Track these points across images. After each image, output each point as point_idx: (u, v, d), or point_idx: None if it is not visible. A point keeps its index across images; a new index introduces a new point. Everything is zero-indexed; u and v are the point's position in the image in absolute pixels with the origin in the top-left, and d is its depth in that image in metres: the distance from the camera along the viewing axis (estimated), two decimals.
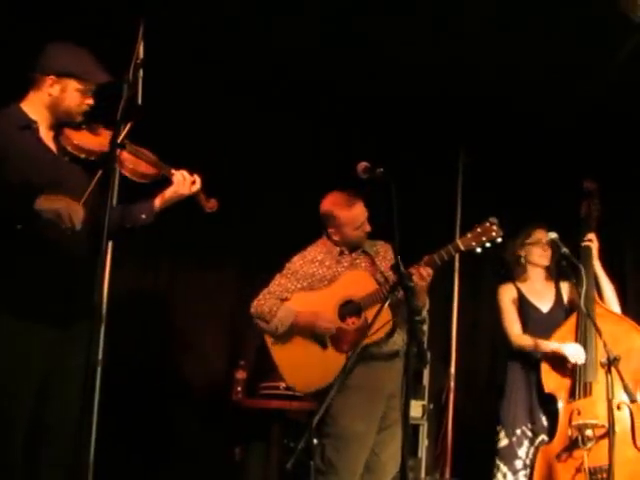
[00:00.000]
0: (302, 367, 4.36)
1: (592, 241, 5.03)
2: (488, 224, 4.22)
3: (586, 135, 6.41)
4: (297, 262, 4.53)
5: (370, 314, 4.20)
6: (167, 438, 5.76)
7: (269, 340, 4.45)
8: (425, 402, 6.23)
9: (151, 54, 3.32)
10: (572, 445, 4.59)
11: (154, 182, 3.72)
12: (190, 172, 3.77)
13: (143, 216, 3.71)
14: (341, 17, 5.25)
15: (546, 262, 5.14)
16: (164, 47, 4.12)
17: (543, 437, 4.84)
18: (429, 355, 6.25)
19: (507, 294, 5.16)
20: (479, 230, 4.22)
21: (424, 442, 6.19)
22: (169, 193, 3.72)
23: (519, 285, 5.17)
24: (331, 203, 4.52)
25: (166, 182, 3.74)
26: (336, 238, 4.53)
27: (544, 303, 5.12)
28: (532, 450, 4.83)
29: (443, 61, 5.72)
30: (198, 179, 3.78)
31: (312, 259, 4.53)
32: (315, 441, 3.54)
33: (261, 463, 5.80)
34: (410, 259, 4.17)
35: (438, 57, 5.70)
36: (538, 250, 5.13)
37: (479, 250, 4.24)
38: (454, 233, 6.51)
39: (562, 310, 5.07)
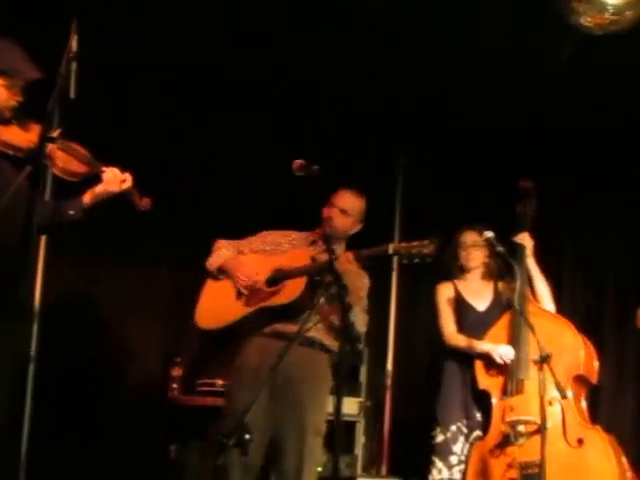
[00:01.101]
0: (212, 305, 4.41)
1: (525, 239, 5.09)
2: (427, 242, 4.07)
3: (527, 135, 6.49)
4: (272, 231, 4.60)
5: (289, 283, 4.23)
6: (102, 436, 5.69)
7: (208, 279, 4.50)
8: (362, 399, 6.24)
9: (85, 49, 3.28)
10: (505, 441, 4.64)
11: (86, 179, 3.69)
12: (122, 170, 3.73)
13: (71, 212, 3.67)
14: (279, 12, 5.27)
15: (473, 264, 5.20)
16: (98, 42, 4.09)
17: (478, 433, 4.90)
18: (365, 353, 6.30)
19: (444, 293, 5.22)
20: (415, 244, 4.08)
21: (360, 439, 6.21)
22: (98, 190, 3.69)
23: (457, 284, 5.23)
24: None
25: (98, 179, 3.70)
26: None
27: (481, 302, 5.18)
28: (467, 446, 4.89)
29: (380, 62, 5.76)
30: (129, 177, 3.74)
31: (287, 234, 4.57)
32: (247, 437, 3.50)
33: (197, 460, 5.76)
34: None
35: (375, 58, 5.73)
36: (463, 253, 5.20)
37: (405, 261, 4.13)
38: (393, 233, 6.57)
39: (499, 309, 5.13)
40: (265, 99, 6.16)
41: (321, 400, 4.32)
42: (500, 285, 5.21)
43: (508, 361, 4.77)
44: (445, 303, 5.18)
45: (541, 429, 4.11)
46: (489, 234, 4.65)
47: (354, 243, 4.49)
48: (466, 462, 4.83)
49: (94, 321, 5.86)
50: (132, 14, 5.21)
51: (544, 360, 4.12)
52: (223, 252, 4.45)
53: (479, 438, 4.85)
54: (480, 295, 5.20)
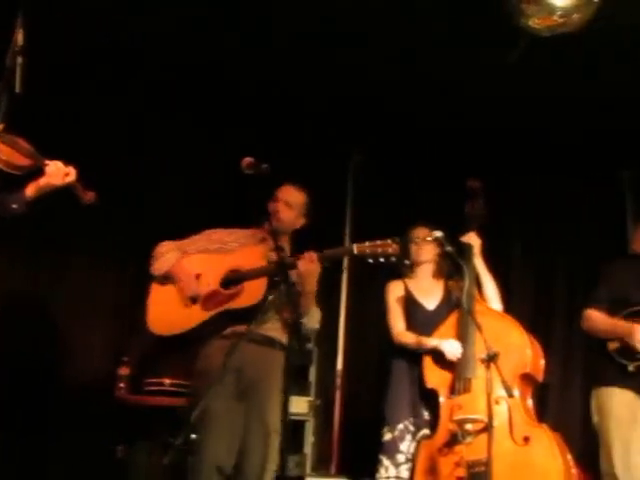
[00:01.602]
0: (166, 311, 4.38)
1: (473, 239, 5.12)
2: (390, 241, 4.17)
3: (477, 135, 6.54)
4: (217, 229, 4.58)
5: (249, 285, 4.23)
6: (49, 436, 5.65)
7: (154, 284, 4.47)
8: (312, 398, 6.25)
9: (32, 44, 3.26)
10: (453, 439, 4.65)
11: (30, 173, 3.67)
12: (66, 163, 3.72)
13: (14, 206, 3.66)
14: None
15: (424, 258, 5.22)
16: (45, 38, 4.05)
17: (425, 431, 4.91)
18: (315, 353, 6.31)
19: (394, 291, 5.23)
20: (379, 243, 4.17)
21: (310, 438, 6.21)
22: (42, 183, 3.68)
23: (407, 282, 5.25)
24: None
25: (41, 172, 3.69)
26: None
27: (431, 301, 5.20)
28: (414, 444, 4.89)
29: (333, 62, 5.78)
30: (73, 171, 3.73)
31: (233, 232, 4.55)
32: (193, 436, 3.49)
33: (144, 460, 5.72)
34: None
35: (328, 58, 5.75)
36: (414, 247, 5.21)
37: (371, 261, 4.20)
38: (344, 231, 6.58)
39: (449, 308, 5.14)
40: (215, 97, 6.15)
41: (278, 399, 4.32)
42: (450, 284, 5.23)
43: (454, 358, 4.79)
44: (395, 301, 5.19)
45: (488, 427, 4.12)
46: (438, 234, 4.67)
47: (305, 240, 4.48)
48: (414, 460, 4.83)
49: (40, 320, 5.83)
50: (80, 10, 5.18)
51: (491, 359, 4.13)
52: (169, 257, 4.42)
53: (427, 437, 4.86)
54: (430, 294, 5.21)
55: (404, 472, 4.85)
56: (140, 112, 6.07)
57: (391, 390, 5.05)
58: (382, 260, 4.15)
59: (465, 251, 5.03)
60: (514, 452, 4.58)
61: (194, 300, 4.33)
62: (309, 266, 4.20)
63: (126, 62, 5.78)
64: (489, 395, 4.12)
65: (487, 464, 4.08)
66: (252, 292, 4.19)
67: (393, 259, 4.16)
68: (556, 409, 6.85)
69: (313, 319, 4.46)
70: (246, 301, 4.19)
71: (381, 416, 5.04)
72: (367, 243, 4.19)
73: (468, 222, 5.20)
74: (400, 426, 4.92)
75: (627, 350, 4.61)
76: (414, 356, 5.01)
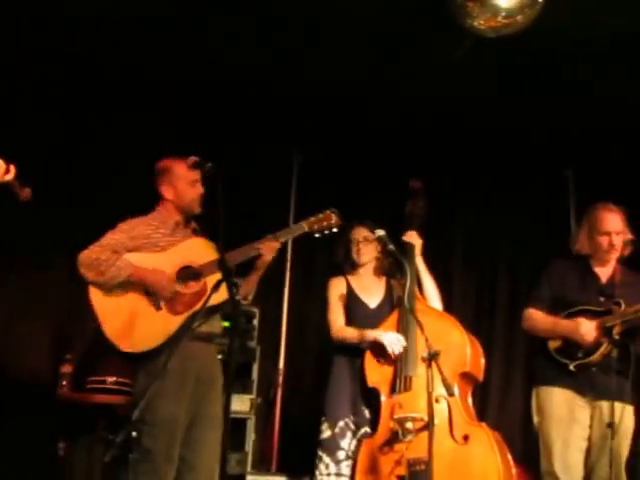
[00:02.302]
0: (129, 325, 4.15)
1: (414, 238, 5.14)
2: (328, 212, 4.47)
3: (419, 135, 6.57)
4: (134, 221, 4.37)
5: (210, 281, 4.14)
6: None
7: (95, 295, 4.19)
8: (253, 396, 6.23)
9: None
10: (393, 438, 4.65)
11: None
12: (6, 161, 3.65)
13: None
14: None
15: (365, 259, 5.22)
16: None
17: (366, 429, 4.91)
18: (257, 351, 6.29)
19: (336, 288, 5.22)
20: (321, 216, 4.45)
21: (251, 436, 6.19)
22: None
23: (350, 279, 5.24)
24: (167, 159, 4.46)
25: None
26: (169, 196, 4.39)
27: (372, 299, 5.20)
28: (354, 442, 4.89)
29: (280, 62, 5.79)
30: (13, 169, 3.67)
31: (148, 222, 4.38)
32: (134, 434, 3.46)
33: (85, 458, 5.68)
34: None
35: (275, 58, 5.76)
36: (355, 248, 5.21)
37: (317, 235, 4.44)
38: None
39: (390, 306, 5.16)
40: (163, 95, 6.14)
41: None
42: (392, 282, 5.24)
43: (396, 350, 4.80)
44: (336, 298, 5.18)
45: (429, 426, 4.13)
46: (380, 232, 4.66)
47: (252, 234, 4.46)
48: (354, 458, 4.83)
49: None
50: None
51: (432, 357, 4.14)
52: (121, 264, 4.17)
53: (367, 435, 4.86)
54: (372, 291, 5.22)
55: (344, 469, 4.85)
56: (84, 111, 6.02)
57: (331, 387, 5.04)
58: (326, 232, 4.43)
59: (406, 250, 5.05)
60: (454, 451, 4.59)
61: (157, 306, 4.20)
62: (272, 251, 4.32)
63: (73, 61, 5.74)
64: (430, 394, 4.12)
65: (427, 463, 4.09)
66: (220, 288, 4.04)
67: (335, 230, 4.46)
68: (497, 409, 6.91)
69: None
70: (218, 298, 3.91)
71: (321, 413, 5.02)
72: (312, 218, 4.44)
73: (409, 221, 5.22)
74: (341, 423, 4.91)
75: (568, 349, 4.66)
76: (355, 353, 5.00)
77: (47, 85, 5.85)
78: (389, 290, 5.23)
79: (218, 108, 6.29)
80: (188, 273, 4.27)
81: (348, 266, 5.27)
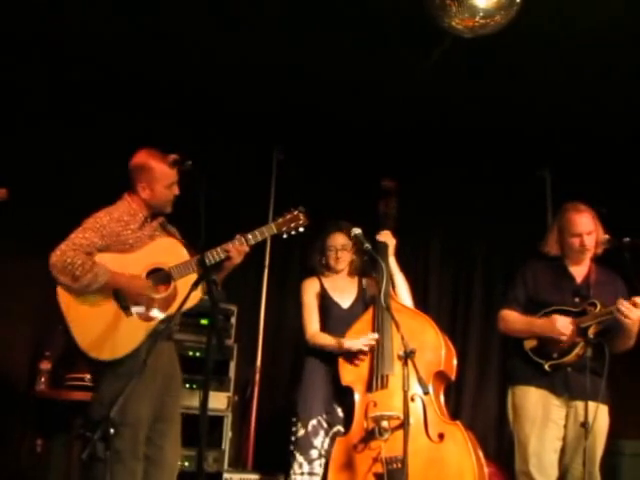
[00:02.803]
0: (101, 332, 4.09)
1: (388, 237, 5.17)
2: (296, 212, 4.49)
3: (394, 134, 6.60)
4: (104, 218, 4.23)
5: (180, 284, 4.14)
6: None
7: (65, 298, 4.13)
8: (230, 394, 6.23)
9: None
10: (369, 436, 4.67)
11: None
12: None
13: None
14: None
15: (342, 266, 5.24)
16: None
17: (339, 428, 4.92)
18: (234, 349, 6.30)
19: (310, 289, 5.23)
20: (288, 217, 4.46)
21: (228, 434, 6.19)
22: None
23: (323, 280, 5.25)
24: (147, 155, 4.33)
25: None
26: (144, 196, 4.32)
27: (345, 299, 5.21)
28: (327, 440, 4.90)
29: (262, 62, 5.81)
30: None
31: (118, 218, 4.27)
32: (112, 431, 3.45)
33: (63, 455, 5.68)
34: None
35: (254, 57, 5.79)
36: (332, 255, 5.21)
37: (285, 236, 4.47)
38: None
39: (363, 306, 5.17)
40: (141, 92, 6.14)
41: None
42: (364, 282, 5.26)
43: (372, 343, 4.82)
44: (310, 300, 5.18)
45: (404, 424, 4.13)
46: (357, 230, 4.69)
47: (231, 229, 4.46)
48: (327, 457, 4.83)
49: None
50: None
51: (408, 355, 4.15)
52: (99, 270, 4.08)
53: (341, 434, 4.86)
54: (345, 292, 5.22)
55: (317, 468, 4.86)
56: (51, 107, 6.02)
57: (304, 386, 5.04)
58: (293, 233, 4.47)
59: (380, 249, 5.07)
60: (429, 449, 4.62)
61: (127, 311, 4.15)
62: (240, 255, 4.31)
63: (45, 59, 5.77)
64: (405, 392, 4.13)
65: (403, 461, 4.10)
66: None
67: (302, 229, 4.48)
68: (471, 408, 6.94)
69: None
70: (189, 302, 3.90)
71: (293, 411, 5.02)
72: (280, 219, 4.46)
73: (383, 221, 5.26)
74: (313, 422, 4.92)
75: (543, 349, 4.69)
76: (327, 352, 5.01)
77: (18, 84, 5.83)
78: (361, 289, 5.25)
79: (197, 107, 6.29)
80: (158, 276, 4.24)
81: (323, 269, 5.28)
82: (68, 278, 4.08)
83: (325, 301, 5.17)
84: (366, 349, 4.84)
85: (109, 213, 4.27)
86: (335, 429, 4.92)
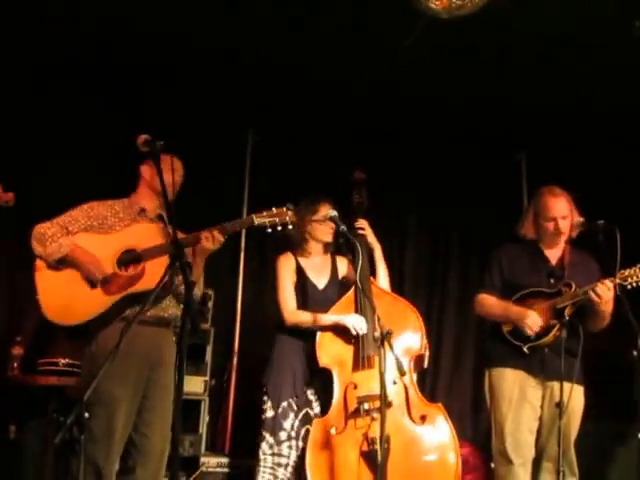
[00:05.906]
0: (63, 298, 4.21)
1: (366, 226, 5.21)
2: (285, 209, 4.36)
3: (373, 119, 6.60)
4: (94, 202, 4.43)
5: (150, 265, 4.18)
6: None
7: (39, 267, 4.26)
8: (207, 378, 6.23)
9: None
10: (349, 417, 4.70)
11: None
12: None
13: None
14: None
15: (326, 238, 5.19)
16: None
17: (307, 410, 4.92)
18: (212, 333, 6.29)
19: (286, 266, 5.17)
20: (275, 211, 4.35)
21: (205, 418, 6.19)
22: None
23: (299, 258, 5.19)
24: None
25: None
26: (147, 176, 4.45)
27: (321, 279, 5.18)
28: (297, 423, 4.90)
29: (235, 47, 5.83)
30: None
31: (110, 205, 4.43)
32: (87, 415, 3.43)
33: (37, 440, 5.64)
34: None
35: (229, 42, 5.79)
36: (325, 227, 5.14)
37: (269, 230, 4.35)
38: (241, 207, 6.58)
39: (336, 286, 5.17)
40: (108, 75, 6.13)
41: None
42: (336, 260, 5.25)
43: (361, 332, 4.82)
44: (286, 276, 5.13)
45: (381, 406, 4.13)
46: (333, 213, 4.68)
47: (206, 214, 4.44)
48: (296, 438, 4.86)
49: None
50: None
51: (385, 337, 4.16)
52: (63, 241, 4.22)
53: (319, 415, 4.86)
54: (320, 272, 5.19)
55: (286, 450, 4.86)
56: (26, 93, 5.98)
57: (275, 366, 5.02)
58: (279, 229, 4.34)
59: (358, 236, 5.08)
60: (412, 430, 4.66)
61: (93, 284, 4.21)
62: (213, 242, 4.25)
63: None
64: (382, 373, 4.13)
65: (380, 440, 4.12)
66: (154, 273, 4.01)
67: (289, 226, 4.36)
68: (447, 390, 6.97)
69: (199, 287, 4.53)
70: (150, 283, 3.95)
71: (264, 392, 5.00)
72: (265, 212, 4.35)
73: (358, 210, 5.30)
74: (284, 404, 4.91)
75: (520, 332, 4.69)
76: (299, 334, 5.00)
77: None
78: (334, 270, 5.23)
79: (172, 89, 6.26)
80: (129, 257, 4.27)
81: (298, 244, 5.21)
82: (39, 246, 4.25)
83: (301, 280, 5.13)
84: (353, 331, 4.83)
85: (101, 200, 4.45)
86: (304, 411, 4.91)
